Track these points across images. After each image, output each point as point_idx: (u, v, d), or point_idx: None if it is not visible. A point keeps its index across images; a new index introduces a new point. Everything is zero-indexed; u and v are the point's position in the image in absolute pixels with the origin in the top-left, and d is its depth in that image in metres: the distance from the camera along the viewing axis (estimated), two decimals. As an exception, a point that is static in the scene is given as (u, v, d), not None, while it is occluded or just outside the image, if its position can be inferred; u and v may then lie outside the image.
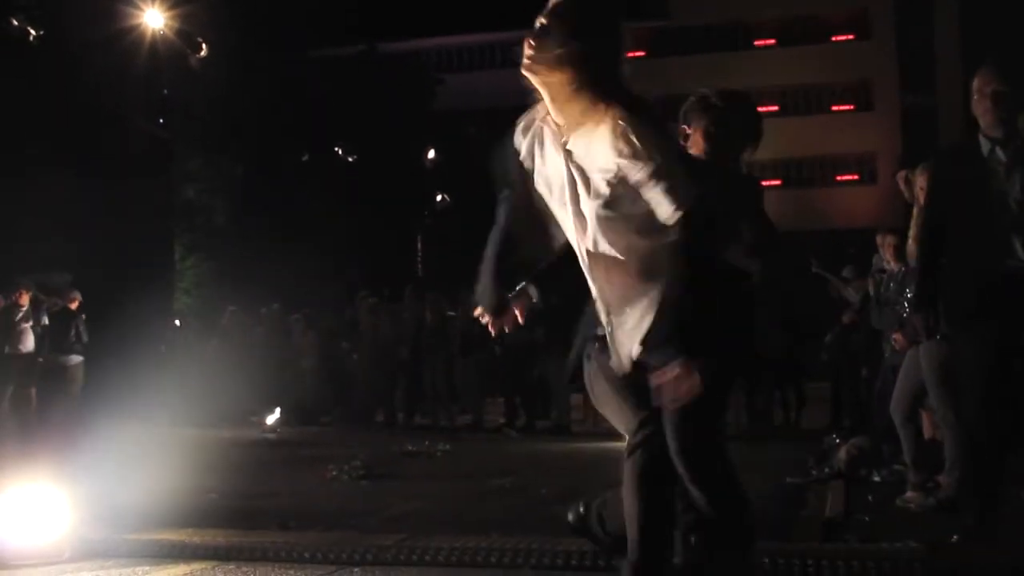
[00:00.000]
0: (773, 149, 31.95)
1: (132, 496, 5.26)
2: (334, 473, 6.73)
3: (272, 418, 11.34)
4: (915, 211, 5.03)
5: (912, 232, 4.96)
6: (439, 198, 27.25)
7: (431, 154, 27.20)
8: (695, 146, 3.20)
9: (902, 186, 5.59)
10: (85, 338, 11.85)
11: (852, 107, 32.68)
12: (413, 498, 5.90)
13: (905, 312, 5.52)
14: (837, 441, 7.20)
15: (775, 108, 32.70)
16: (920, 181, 5.01)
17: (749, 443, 9.67)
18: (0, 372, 11.11)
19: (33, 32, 17.68)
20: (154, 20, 17.72)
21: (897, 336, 5.54)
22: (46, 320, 11.50)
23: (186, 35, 18.33)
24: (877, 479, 6.12)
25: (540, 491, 5.96)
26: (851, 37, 32.70)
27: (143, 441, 9.03)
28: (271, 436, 10.87)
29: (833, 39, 32.84)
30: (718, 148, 3.18)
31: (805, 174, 32.52)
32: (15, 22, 17.40)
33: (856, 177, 32.57)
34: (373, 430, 11.45)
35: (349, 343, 13.10)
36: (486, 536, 4.23)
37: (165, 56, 18.73)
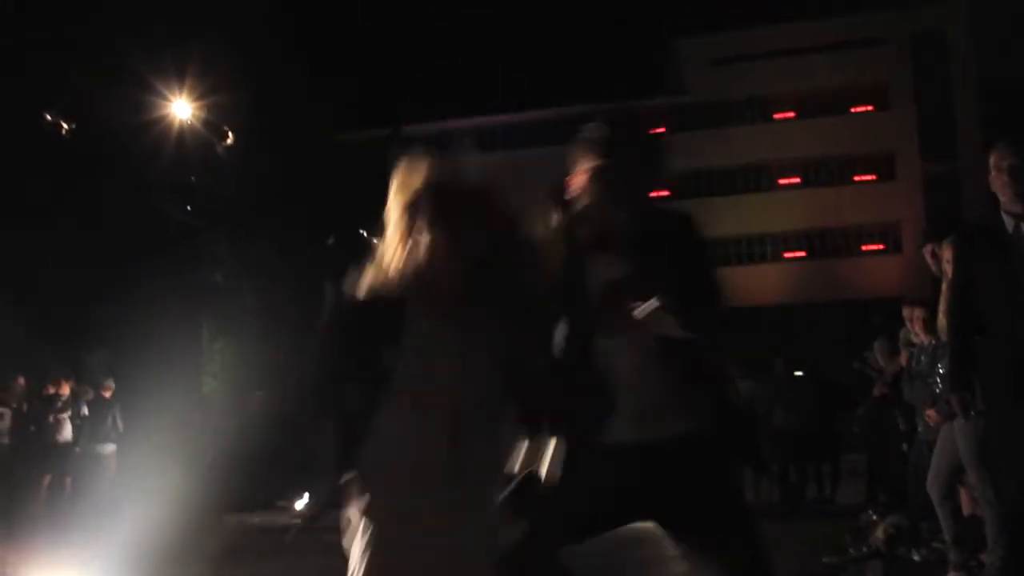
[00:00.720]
0: (797, 220, 32.09)
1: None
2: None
3: (301, 503, 11.28)
4: (944, 285, 5.00)
5: (942, 307, 4.93)
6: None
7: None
8: (585, 194, 2.66)
9: (929, 259, 5.57)
10: (121, 427, 11.96)
11: (874, 177, 32.75)
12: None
13: (938, 387, 5.47)
14: (874, 518, 7.06)
15: (797, 180, 32.84)
16: (946, 254, 4.99)
17: (782, 520, 9.54)
18: (38, 461, 11.23)
19: (65, 126, 18.13)
20: (182, 111, 18.13)
21: (931, 412, 5.49)
22: (85, 410, 11.66)
23: (213, 124, 18.73)
24: (917, 558, 6.01)
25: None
26: (870, 108, 32.91)
27: (174, 528, 8.99)
28: (300, 521, 10.79)
29: (852, 110, 33.06)
30: (617, 187, 2.63)
31: (829, 244, 32.47)
32: (48, 117, 17.85)
33: (881, 247, 32.48)
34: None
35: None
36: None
37: (192, 144, 19.13)
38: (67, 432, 11.41)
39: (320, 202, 24.53)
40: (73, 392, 11.56)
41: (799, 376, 11.99)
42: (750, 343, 18.96)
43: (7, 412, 11.20)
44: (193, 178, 21.41)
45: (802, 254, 33.09)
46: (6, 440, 11.05)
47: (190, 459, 12.67)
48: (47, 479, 11.34)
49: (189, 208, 21.83)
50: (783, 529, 8.82)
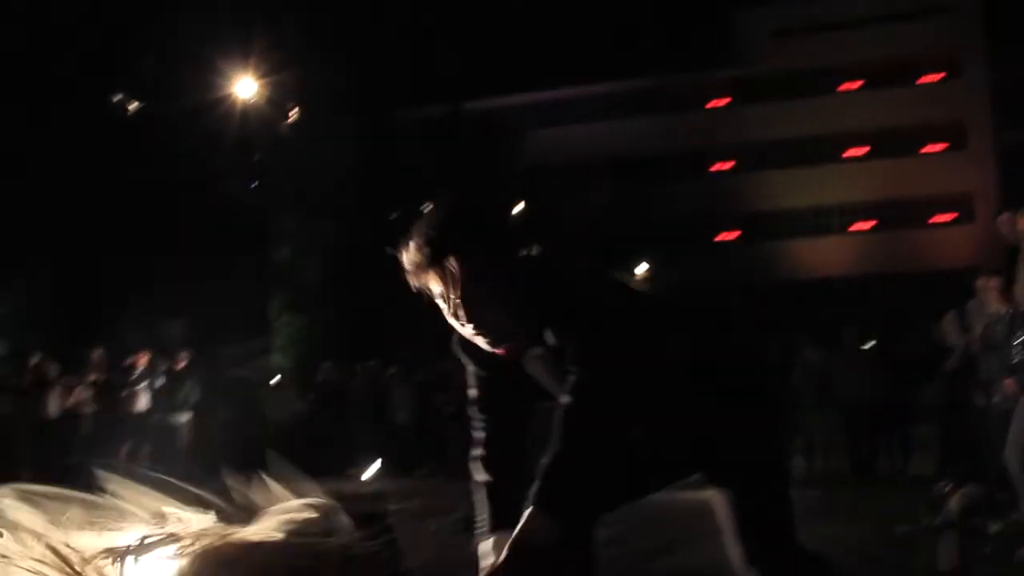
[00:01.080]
0: (865, 191, 31.53)
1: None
2: (434, 528, 6.74)
3: (369, 472, 11.47)
4: (1022, 254, 4.91)
5: (1020, 276, 4.85)
6: (525, 252, 27.30)
7: (519, 208, 27.42)
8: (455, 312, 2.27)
9: (1006, 229, 5.46)
10: (193, 398, 12.25)
11: (945, 146, 32.02)
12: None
13: (1014, 357, 5.37)
14: (948, 489, 6.96)
15: (866, 150, 32.24)
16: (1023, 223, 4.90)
17: (853, 491, 9.47)
18: (116, 432, 11.59)
19: (132, 106, 18.50)
20: (246, 90, 18.38)
21: (1008, 382, 5.39)
22: (161, 381, 11.98)
23: (276, 102, 18.97)
24: (992, 530, 5.91)
25: (641, 543, 5.90)
26: (941, 76, 32.15)
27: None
28: (369, 490, 10.97)
29: (922, 79, 32.32)
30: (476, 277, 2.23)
31: (899, 216, 31.85)
32: (116, 98, 18.23)
33: (952, 218, 31.79)
34: (469, 483, 11.45)
35: (444, 396, 13.20)
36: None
37: (256, 123, 19.40)
38: (143, 402, 11.74)
39: (383, 178, 24.73)
40: (149, 363, 11.88)
41: (869, 347, 11.83)
42: (819, 315, 18.78)
43: (88, 386, 11.56)
44: (258, 156, 21.71)
45: (871, 225, 32.51)
46: (88, 410, 11.39)
47: (259, 429, 12.96)
48: (125, 448, 11.67)
49: (255, 186, 22.16)
50: (855, 501, 8.77)
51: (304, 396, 14.27)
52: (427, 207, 2.51)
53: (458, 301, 2.19)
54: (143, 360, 11.81)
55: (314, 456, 12.28)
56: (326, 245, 24.48)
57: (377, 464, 11.60)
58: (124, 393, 11.75)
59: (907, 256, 30.30)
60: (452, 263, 2.18)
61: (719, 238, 33.36)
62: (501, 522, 2.24)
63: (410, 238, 2.23)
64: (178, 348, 12.96)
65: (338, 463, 12.43)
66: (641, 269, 28.48)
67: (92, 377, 11.59)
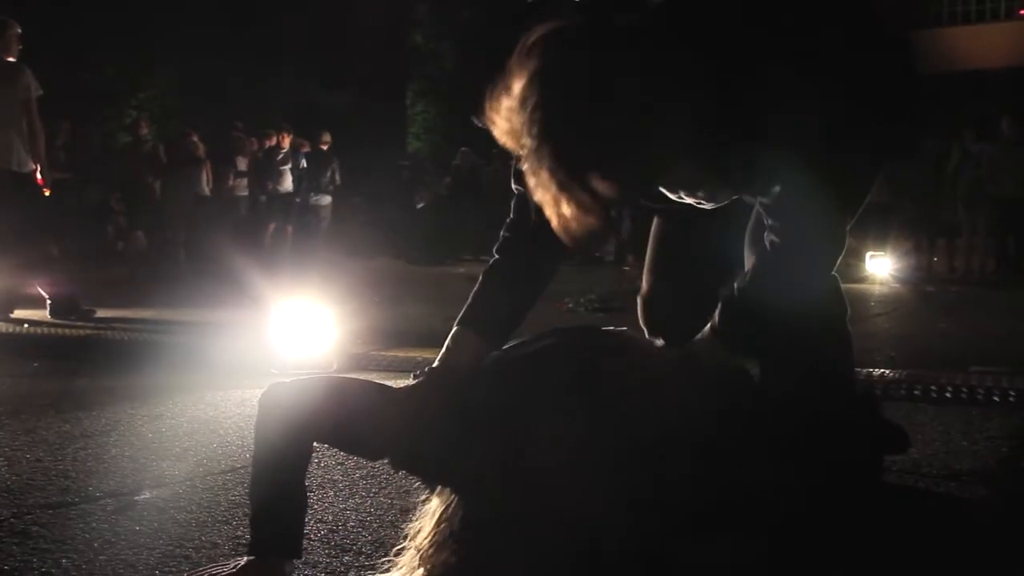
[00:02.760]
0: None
1: (383, 320, 5.75)
2: (570, 305, 6.89)
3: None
4: None
5: None
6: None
7: None
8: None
9: None
10: (339, 179, 12.51)
11: None
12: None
13: None
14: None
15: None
16: None
17: (999, 289, 9.21)
18: (264, 210, 12.02)
19: None
20: None
21: None
22: (304, 163, 12.22)
23: None
24: None
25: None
26: None
27: (388, 274, 9.55)
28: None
29: None
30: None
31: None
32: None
33: None
34: (604, 268, 11.55)
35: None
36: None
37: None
38: (288, 183, 12.04)
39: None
40: (293, 144, 12.08)
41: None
42: (975, 107, 17.71)
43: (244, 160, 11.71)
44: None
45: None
46: (244, 192, 11.71)
47: (399, 211, 13.30)
48: (271, 227, 12.12)
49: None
50: (996, 295, 8.57)
51: (442, 181, 14.45)
52: None
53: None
54: (285, 140, 11.97)
55: (454, 240, 12.63)
56: (461, 30, 24.16)
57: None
58: (268, 173, 11.98)
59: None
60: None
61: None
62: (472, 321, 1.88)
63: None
64: (320, 130, 13.10)
65: (477, 246, 12.66)
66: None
67: (241, 156, 11.79)
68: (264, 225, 12.01)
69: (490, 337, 1.85)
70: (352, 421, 1.72)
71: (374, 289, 7.89)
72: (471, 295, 1.92)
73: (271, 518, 1.74)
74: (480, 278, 1.95)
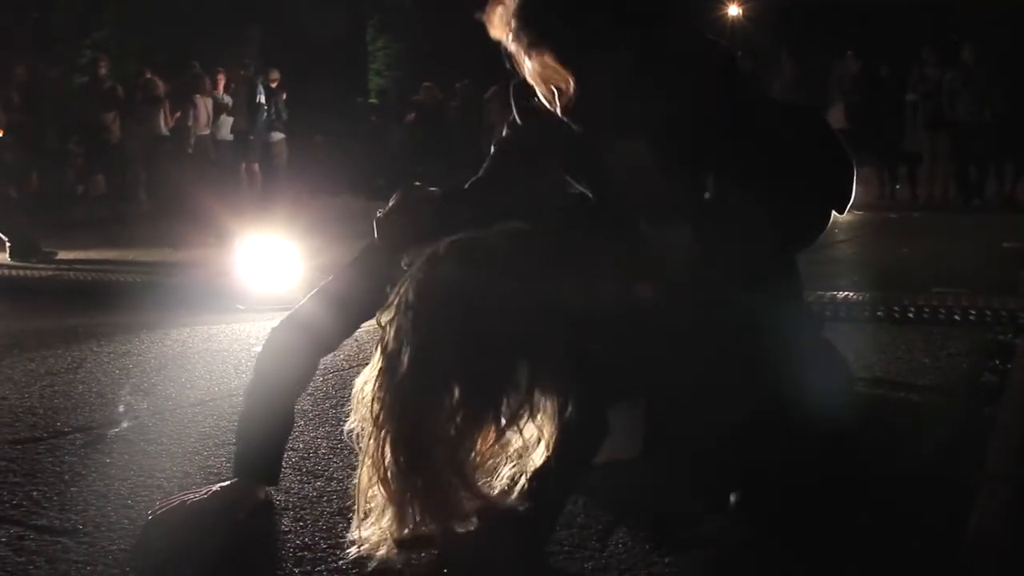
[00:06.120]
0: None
1: (346, 255, 5.66)
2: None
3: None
4: None
5: None
6: None
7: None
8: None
9: None
10: (284, 116, 12.37)
11: None
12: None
13: None
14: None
15: None
16: None
17: (960, 214, 9.31)
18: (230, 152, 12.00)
19: None
20: None
21: None
22: (262, 99, 12.04)
23: None
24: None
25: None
26: None
27: (351, 211, 9.49)
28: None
29: None
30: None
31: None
32: None
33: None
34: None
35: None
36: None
37: None
38: (226, 128, 11.91)
39: None
40: (247, 82, 11.96)
41: (988, 65, 11.13)
42: (935, 30, 17.60)
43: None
44: None
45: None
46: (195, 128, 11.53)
47: (361, 149, 13.17)
48: (242, 167, 12.04)
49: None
50: (961, 220, 8.67)
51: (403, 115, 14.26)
52: None
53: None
54: (222, 79, 11.75)
55: (416, 171, 12.54)
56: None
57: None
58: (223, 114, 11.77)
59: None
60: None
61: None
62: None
63: None
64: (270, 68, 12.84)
65: (438, 176, 12.59)
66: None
67: (200, 95, 11.53)
68: (234, 167, 11.93)
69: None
70: None
71: (337, 225, 7.85)
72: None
73: (262, 443, 1.79)
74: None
